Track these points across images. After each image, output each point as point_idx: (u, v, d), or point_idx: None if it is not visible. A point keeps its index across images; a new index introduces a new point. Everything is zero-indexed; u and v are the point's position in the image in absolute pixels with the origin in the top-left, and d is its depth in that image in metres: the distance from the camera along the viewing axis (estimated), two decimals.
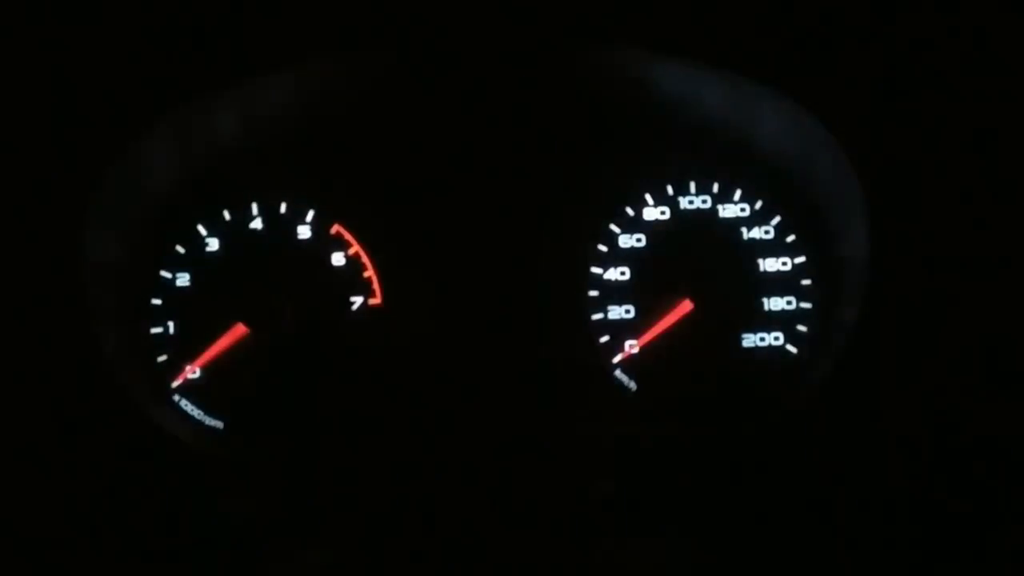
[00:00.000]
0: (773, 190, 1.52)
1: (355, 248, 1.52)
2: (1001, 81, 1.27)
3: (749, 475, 1.32)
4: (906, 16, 1.27)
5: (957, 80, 1.28)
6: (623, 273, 1.53)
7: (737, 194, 1.53)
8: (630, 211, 1.53)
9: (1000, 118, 1.28)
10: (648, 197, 1.54)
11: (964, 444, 1.26)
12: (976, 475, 1.25)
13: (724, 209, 1.53)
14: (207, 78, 1.30)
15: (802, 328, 1.50)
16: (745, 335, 1.51)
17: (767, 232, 1.52)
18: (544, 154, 1.54)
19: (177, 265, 1.52)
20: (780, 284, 1.51)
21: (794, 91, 1.30)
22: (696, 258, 1.52)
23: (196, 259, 1.52)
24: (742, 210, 1.53)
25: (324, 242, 1.53)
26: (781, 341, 1.51)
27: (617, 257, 1.53)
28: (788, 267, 1.51)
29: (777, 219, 1.53)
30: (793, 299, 1.51)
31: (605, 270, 1.53)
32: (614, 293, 1.52)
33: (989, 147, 1.28)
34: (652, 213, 1.54)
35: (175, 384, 1.49)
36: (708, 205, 1.53)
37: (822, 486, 1.29)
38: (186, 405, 1.50)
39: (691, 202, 1.54)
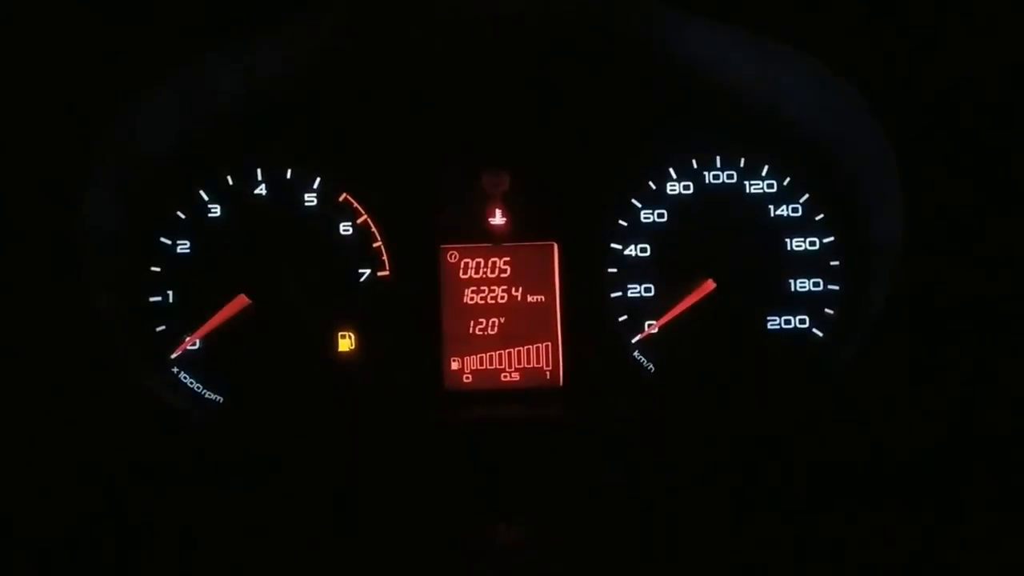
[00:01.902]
0: (802, 165, 1.49)
1: (363, 217, 1.49)
2: None
3: (769, 463, 1.29)
4: None
5: (1001, 49, 1.24)
6: (644, 250, 1.49)
7: (764, 169, 1.50)
8: (652, 185, 1.50)
9: None
10: (671, 171, 1.50)
11: (994, 436, 1.24)
12: (1004, 463, 1.23)
13: (751, 185, 1.49)
14: (208, 36, 1.25)
15: (829, 311, 1.47)
16: (769, 317, 1.48)
17: (795, 210, 1.49)
18: (563, 124, 1.50)
19: (177, 232, 1.48)
20: (807, 265, 1.48)
21: (828, 57, 1.25)
22: (720, 236, 1.48)
23: (197, 226, 1.48)
24: (769, 186, 1.49)
25: (331, 211, 1.49)
26: (807, 324, 1.47)
27: (638, 233, 1.49)
28: (816, 247, 1.48)
29: (806, 196, 1.49)
30: (820, 281, 1.47)
31: (625, 246, 1.49)
32: (634, 270, 1.49)
33: None
34: (675, 187, 1.50)
35: (174, 356, 1.46)
36: (734, 180, 1.50)
37: (845, 475, 1.26)
38: (185, 377, 1.47)
39: (716, 177, 1.50)
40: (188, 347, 1.46)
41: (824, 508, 1.24)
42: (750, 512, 1.25)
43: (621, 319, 1.48)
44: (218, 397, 1.47)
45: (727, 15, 1.26)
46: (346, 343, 1.48)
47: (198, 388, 1.47)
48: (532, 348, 1.48)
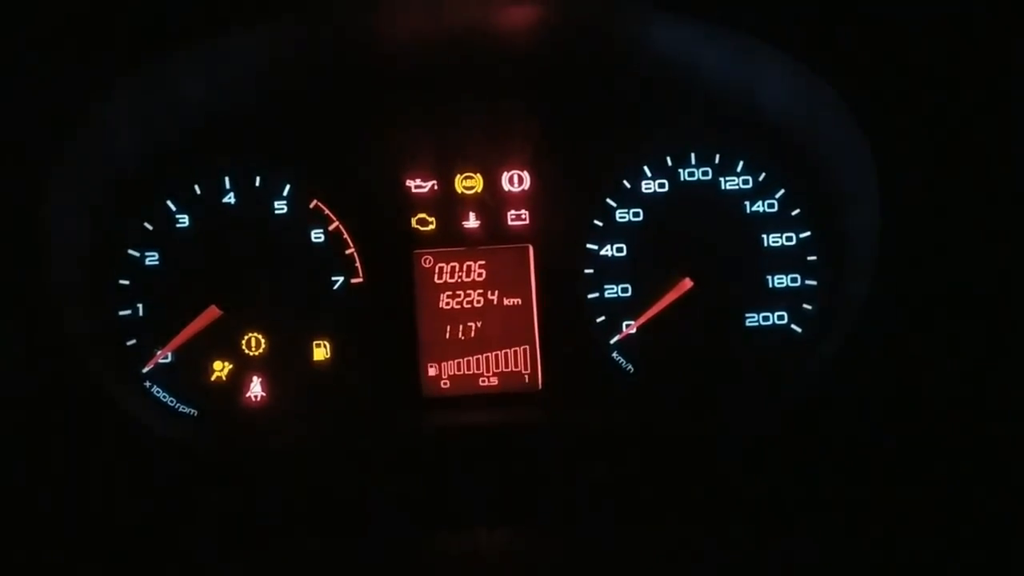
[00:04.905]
0: (777, 161, 1.48)
1: (335, 224, 1.47)
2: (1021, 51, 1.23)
3: (750, 461, 1.28)
4: None
5: (975, 44, 1.23)
6: (620, 250, 1.48)
7: (740, 165, 1.49)
8: (627, 184, 1.49)
9: (1020, 88, 1.23)
10: (646, 169, 1.49)
11: (976, 429, 1.23)
12: (986, 457, 1.23)
13: (726, 181, 1.48)
14: (169, 41, 1.24)
15: (807, 307, 1.47)
16: (748, 314, 1.47)
17: (771, 205, 1.48)
18: (536, 124, 1.49)
19: (146, 243, 1.46)
20: (784, 260, 1.47)
21: (801, 52, 1.25)
22: (696, 233, 1.47)
23: (166, 236, 1.46)
24: (745, 182, 1.48)
25: (302, 218, 1.47)
26: (785, 320, 1.47)
27: (614, 233, 1.48)
28: (793, 242, 1.47)
29: (781, 192, 1.48)
30: (798, 276, 1.47)
31: (601, 247, 1.48)
32: (610, 271, 1.48)
33: (1008, 115, 1.23)
34: (650, 186, 1.49)
35: (146, 369, 1.45)
36: (709, 177, 1.49)
37: (826, 471, 1.26)
38: (157, 391, 1.45)
39: (691, 174, 1.49)
40: (159, 361, 1.44)
41: (806, 506, 1.23)
42: (732, 511, 1.24)
43: (599, 320, 1.48)
44: (191, 410, 1.45)
45: (700, 12, 1.25)
46: (321, 352, 1.47)
47: (171, 402, 1.45)
48: (509, 352, 1.47)
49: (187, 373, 1.45)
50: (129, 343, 1.44)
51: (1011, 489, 1.20)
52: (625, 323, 1.47)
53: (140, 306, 1.45)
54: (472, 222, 1.49)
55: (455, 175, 1.49)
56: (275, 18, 1.24)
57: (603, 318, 1.47)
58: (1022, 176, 1.22)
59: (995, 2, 1.22)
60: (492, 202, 1.49)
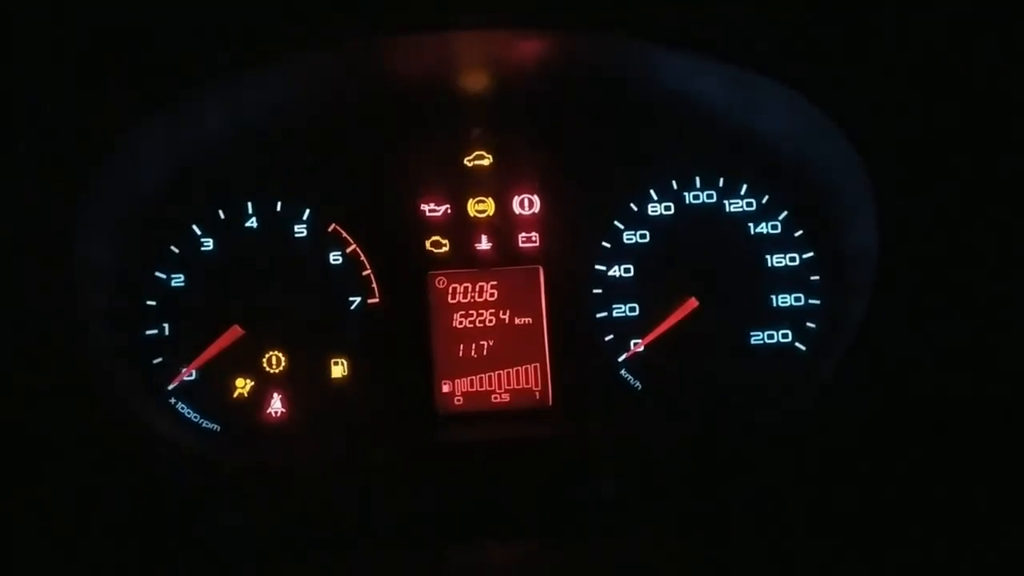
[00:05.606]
0: (780, 183, 1.50)
1: (352, 247, 1.51)
2: (1011, 69, 1.25)
3: (756, 476, 1.30)
4: (912, 2, 1.25)
5: (965, 68, 1.25)
6: (627, 270, 1.51)
7: (743, 188, 1.51)
8: (634, 207, 1.51)
9: (1010, 105, 1.25)
10: (652, 192, 1.52)
11: (978, 445, 1.25)
12: (984, 473, 1.24)
13: (730, 204, 1.51)
14: (195, 75, 1.28)
15: (811, 325, 1.48)
16: (752, 333, 1.49)
17: (774, 227, 1.50)
18: (546, 151, 1.53)
19: (171, 266, 1.50)
20: (788, 280, 1.49)
21: (797, 82, 1.28)
22: (702, 254, 1.50)
23: (191, 259, 1.50)
24: (748, 204, 1.51)
25: (321, 241, 1.51)
26: (789, 338, 1.49)
27: (621, 254, 1.51)
28: (796, 262, 1.49)
29: (784, 213, 1.50)
30: (801, 295, 1.49)
31: (609, 267, 1.51)
32: (618, 291, 1.51)
33: (999, 137, 1.25)
34: (656, 209, 1.52)
35: (171, 387, 1.48)
36: (714, 200, 1.51)
37: (830, 486, 1.27)
38: (182, 408, 1.49)
39: (696, 197, 1.51)
40: (185, 378, 1.47)
41: (810, 520, 1.24)
42: (737, 526, 1.26)
43: (607, 339, 1.50)
44: (215, 426, 1.49)
45: (700, 48, 1.28)
46: (339, 369, 1.50)
47: (195, 418, 1.48)
48: (521, 369, 1.50)
49: (211, 390, 1.48)
50: (155, 361, 1.48)
51: (1013, 502, 1.21)
52: (633, 341, 1.49)
53: (166, 326, 1.48)
54: (484, 244, 1.52)
55: (468, 199, 1.53)
56: (296, 55, 1.28)
57: (611, 337, 1.50)
58: (1017, 196, 1.25)
59: (984, 26, 1.25)
60: (503, 225, 1.52)
